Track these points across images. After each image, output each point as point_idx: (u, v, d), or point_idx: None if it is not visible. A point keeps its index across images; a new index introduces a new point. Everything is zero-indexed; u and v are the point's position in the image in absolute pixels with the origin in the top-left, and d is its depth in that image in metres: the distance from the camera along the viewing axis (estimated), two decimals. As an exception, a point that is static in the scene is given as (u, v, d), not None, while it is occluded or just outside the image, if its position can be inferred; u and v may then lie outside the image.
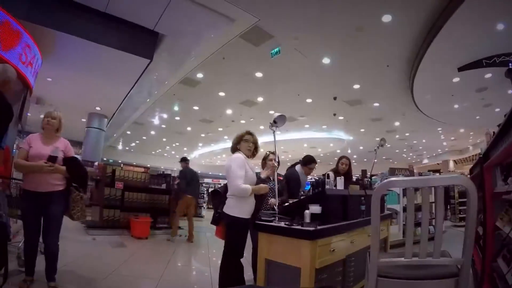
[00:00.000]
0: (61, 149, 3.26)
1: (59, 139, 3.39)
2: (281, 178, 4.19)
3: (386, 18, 6.61)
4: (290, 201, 3.29)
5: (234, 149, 3.34)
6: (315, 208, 2.63)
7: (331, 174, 4.87)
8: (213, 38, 7.11)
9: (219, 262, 3.11)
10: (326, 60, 8.50)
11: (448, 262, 1.71)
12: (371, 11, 6.42)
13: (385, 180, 1.79)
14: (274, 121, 3.23)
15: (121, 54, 6.98)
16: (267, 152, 3.93)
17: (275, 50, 7.64)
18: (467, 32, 6.79)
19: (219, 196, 3.29)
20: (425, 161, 26.70)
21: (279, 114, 3.24)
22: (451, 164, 24.44)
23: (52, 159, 3.11)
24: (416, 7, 6.30)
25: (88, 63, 7.79)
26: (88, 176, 3.92)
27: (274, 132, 3.25)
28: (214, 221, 3.22)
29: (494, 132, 3.20)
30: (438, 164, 25.03)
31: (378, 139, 5.74)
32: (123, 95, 10.13)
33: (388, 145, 19.81)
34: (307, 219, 2.55)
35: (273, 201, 3.40)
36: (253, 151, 3.33)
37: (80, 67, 8.10)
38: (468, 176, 9.90)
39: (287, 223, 2.65)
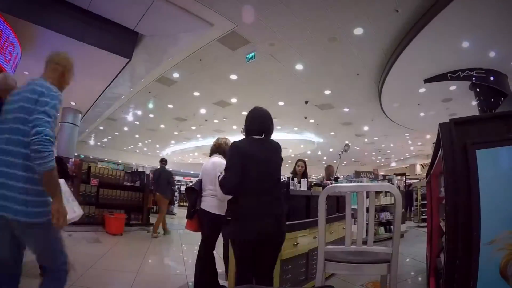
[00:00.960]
0: None
1: None
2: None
3: (358, 31, 7.02)
4: None
5: (214, 152, 3.66)
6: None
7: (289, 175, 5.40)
8: (192, 40, 7.28)
9: (191, 256, 3.40)
10: (299, 66, 8.85)
11: (381, 250, 2.04)
12: (344, 24, 6.79)
13: (329, 186, 2.14)
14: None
15: (101, 52, 7.00)
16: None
17: (251, 55, 7.89)
18: (435, 47, 7.19)
19: (195, 193, 3.48)
20: (393, 164, 27.66)
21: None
22: (418, 167, 25.43)
23: None
24: (386, 21, 6.71)
25: None
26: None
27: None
28: (189, 216, 3.45)
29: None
30: (405, 167, 26.00)
31: (347, 141, 6.27)
32: (99, 92, 10.11)
33: (358, 148, 20.56)
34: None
35: None
36: None
37: None
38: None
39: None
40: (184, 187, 15.45)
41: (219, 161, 3.44)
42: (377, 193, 7.77)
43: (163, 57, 8.23)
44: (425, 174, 22.40)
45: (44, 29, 6.29)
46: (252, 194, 2.27)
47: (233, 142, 2.46)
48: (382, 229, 7.80)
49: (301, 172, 5.69)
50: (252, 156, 2.31)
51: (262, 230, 2.20)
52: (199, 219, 3.39)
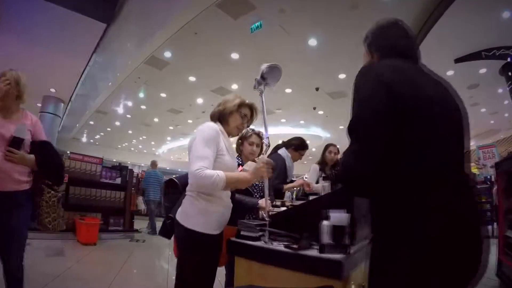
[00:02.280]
0: (27, 128, 2.33)
1: (23, 112, 2.43)
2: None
3: (385, -4, 5.89)
4: (288, 204, 2.16)
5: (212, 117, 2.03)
6: (340, 217, 1.46)
7: (315, 169, 3.89)
8: (186, 5, 6.08)
9: None
10: (312, 42, 7.60)
11: None
12: None
13: None
14: (262, 77, 1.99)
15: (74, 17, 5.97)
16: (249, 130, 2.57)
17: (256, 24, 6.64)
18: (470, 19, 6.33)
19: (177, 191, 2.02)
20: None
21: (269, 64, 1.99)
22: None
23: (16, 142, 2.20)
24: None
25: (37, 29, 6.72)
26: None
27: (261, 94, 1.99)
28: (164, 231, 1.97)
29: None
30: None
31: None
32: (79, 72, 8.96)
33: None
34: (326, 237, 1.43)
35: (262, 202, 2.23)
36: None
37: (30, 34, 6.97)
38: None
39: (287, 243, 1.55)
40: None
41: (202, 124, 1.88)
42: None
43: (152, 28, 7.01)
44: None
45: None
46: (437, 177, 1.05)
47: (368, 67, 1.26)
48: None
49: (333, 160, 3.92)
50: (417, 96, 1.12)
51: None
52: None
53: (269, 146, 2.00)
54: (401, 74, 1.18)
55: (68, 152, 6.67)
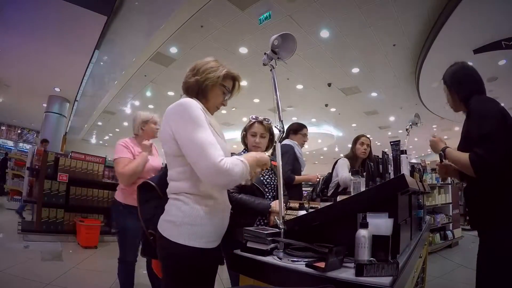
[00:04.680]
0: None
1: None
2: (275, 163, 2.12)
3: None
4: (308, 206, 1.77)
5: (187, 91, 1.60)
6: (382, 223, 1.10)
7: (345, 162, 3.51)
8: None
9: None
10: (324, 33, 7.20)
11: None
12: None
13: None
14: (273, 50, 1.61)
15: (74, 10, 5.74)
16: (251, 119, 2.23)
17: (265, 15, 6.29)
18: (489, 7, 5.91)
19: (154, 196, 1.57)
20: (413, 161, 25.97)
21: (280, 34, 1.58)
22: (440, 165, 23.94)
23: None
24: None
25: (38, 23, 6.52)
26: None
27: (273, 70, 1.66)
28: (149, 251, 1.55)
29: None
30: (427, 164, 24.43)
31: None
32: (83, 68, 8.72)
33: (378, 143, 19.16)
34: (365, 252, 1.06)
35: (275, 205, 1.81)
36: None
37: (30, 30, 6.81)
38: None
39: (309, 259, 1.17)
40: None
41: (176, 104, 1.44)
42: (431, 189, 6.18)
43: (157, 22, 6.66)
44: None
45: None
46: None
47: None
48: (437, 236, 6.10)
49: (366, 154, 3.49)
50: None
51: None
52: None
53: (283, 132, 1.61)
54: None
55: (71, 151, 6.38)
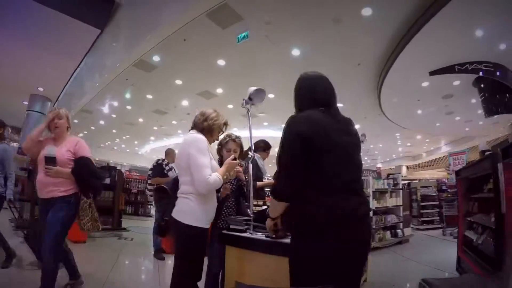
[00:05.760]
0: (67, 149, 3.01)
1: (69, 138, 3.18)
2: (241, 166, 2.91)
3: (366, 12, 6.24)
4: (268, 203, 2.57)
5: (199, 129, 2.44)
6: None
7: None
8: (177, 13, 6.22)
9: (171, 271, 2.20)
10: (295, 52, 7.92)
11: None
12: (352, 2, 6.04)
13: None
14: (249, 98, 2.50)
15: (69, 21, 6.04)
16: (226, 137, 2.93)
17: (243, 34, 6.88)
18: (446, 35, 6.65)
19: (166, 196, 2.44)
20: (379, 165, 27.13)
21: (256, 88, 2.49)
22: (404, 169, 25.23)
23: (49, 160, 2.89)
24: (398, 3, 6.05)
25: (29, 29, 6.72)
26: (99, 179, 3.31)
27: (248, 112, 2.51)
28: (161, 231, 2.41)
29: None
30: (391, 169, 25.65)
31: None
32: (69, 73, 9.08)
33: None
34: None
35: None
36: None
37: (20, 34, 6.98)
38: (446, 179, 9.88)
39: (267, 234, 1.93)
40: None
41: (192, 136, 2.32)
42: (382, 193, 7.09)
43: (143, 33, 7.04)
44: (410, 176, 22.46)
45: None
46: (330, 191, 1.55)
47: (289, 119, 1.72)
48: (388, 233, 6.97)
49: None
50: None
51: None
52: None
53: (253, 156, 2.43)
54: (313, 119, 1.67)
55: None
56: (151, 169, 5.76)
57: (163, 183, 4.87)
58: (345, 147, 1.64)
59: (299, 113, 1.76)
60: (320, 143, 1.56)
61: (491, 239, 3.55)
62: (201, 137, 2.28)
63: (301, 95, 1.89)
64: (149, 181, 5.87)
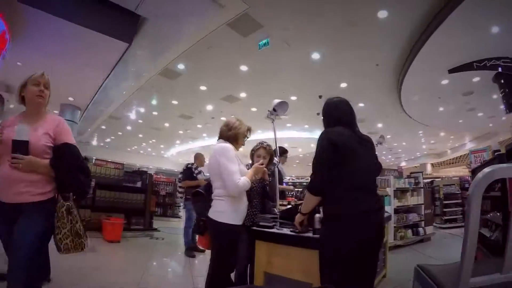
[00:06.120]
0: (45, 131, 2.08)
1: (47, 115, 2.22)
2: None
3: (382, 14, 6.36)
4: (293, 203, 2.87)
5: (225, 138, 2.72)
6: None
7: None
8: (199, 24, 6.55)
9: (201, 268, 2.58)
10: (315, 56, 8.13)
11: None
12: (367, 5, 6.14)
13: (489, 169, 1.17)
14: (274, 109, 2.76)
15: (98, 36, 6.35)
16: (258, 144, 3.22)
17: (264, 41, 7.17)
18: (462, 33, 6.65)
19: (202, 199, 2.73)
20: (403, 163, 26.92)
21: (280, 100, 2.77)
22: (429, 167, 24.79)
23: (19, 146, 1.91)
24: (413, 4, 6.12)
25: (61, 45, 7.11)
26: (88, 176, 2.40)
27: (273, 121, 2.78)
28: (199, 231, 2.69)
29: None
30: (415, 167, 25.29)
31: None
32: (98, 84, 9.45)
33: None
34: (318, 225, 2.13)
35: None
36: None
37: (53, 49, 7.40)
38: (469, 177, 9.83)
39: (292, 229, 2.22)
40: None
41: (221, 146, 2.59)
42: (403, 192, 7.18)
43: (167, 45, 7.47)
44: (435, 174, 22.09)
45: (35, 11, 5.61)
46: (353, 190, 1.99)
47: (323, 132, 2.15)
48: (409, 232, 7.07)
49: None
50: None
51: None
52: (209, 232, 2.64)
53: (279, 161, 2.72)
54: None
55: (94, 158, 7.27)
56: (181, 173, 6.17)
57: (192, 185, 5.27)
58: (362, 156, 2.06)
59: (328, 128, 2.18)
60: (344, 150, 1.98)
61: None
62: (228, 145, 2.56)
63: (328, 116, 2.31)
64: (179, 184, 6.27)
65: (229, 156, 2.47)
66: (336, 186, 1.94)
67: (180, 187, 6.28)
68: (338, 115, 2.21)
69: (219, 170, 2.45)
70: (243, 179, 2.42)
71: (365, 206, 1.93)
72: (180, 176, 6.24)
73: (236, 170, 2.43)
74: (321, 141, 2.04)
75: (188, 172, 5.98)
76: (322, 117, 2.33)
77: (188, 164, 6.20)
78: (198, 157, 6.36)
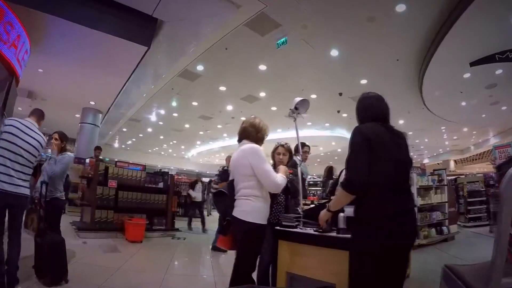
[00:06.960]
0: None
1: None
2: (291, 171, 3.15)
3: (400, 8, 6.23)
4: (316, 202, 2.85)
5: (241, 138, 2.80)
6: (351, 211, 2.06)
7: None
8: (217, 26, 6.59)
9: (223, 268, 2.58)
10: (334, 53, 8.04)
11: None
12: (385, 1, 6.05)
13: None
14: (295, 107, 2.74)
15: (117, 41, 6.48)
16: (277, 143, 3.25)
17: (282, 40, 7.14)
18: (482, 25, 6.49)
19: (226, 198, 2.67)
20: (426, 160, 26.36)
21: (301, 98, 2.74)
22: (452, 164, 24.24)
23: None
24: None
25: (81, 51, 7.30)
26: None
27: (295, 120, 2.76)
28: (223, 231, 2.66)
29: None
30: (438, 164, 24.73)
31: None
32: (118, 88, 9.63)
33: None
34: (342, 224, 2.09)
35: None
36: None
37: (73, 56, 7.61)
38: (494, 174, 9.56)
39: (315, 229, 2.20)
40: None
41: (251, 147, 2.60)
42: (426, 190, 7.04)
43: (186, 47, 7.55)
44: (458, 171, 21.54)
45: (54, 19, 5.80)
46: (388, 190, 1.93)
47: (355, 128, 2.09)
48: (433, 231, 6.91)
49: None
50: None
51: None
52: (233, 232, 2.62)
53: (301, 161, 2.72)
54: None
55: (116, 160, 7.42)
56: (217, 175, 6.45)
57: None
58: (396, 153, 2.00)
59: (361, 124, 2.12)
60: (377, 146, 1.91)
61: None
62: (258, 147, 2.61)
63: (362, 110, 2.22)
64: (215, 186, 6.54)
65: (263, 157, 2.52)
66: (372, 186, 1.88)
67: (216, 189, 6.47)
68: (373, 111, 2.16)
69: (251, 171, 2.47)
70: (279, 176, 2.48)
71: (399, 207, 1.89)
72: (216, 178, 6.45)
73: (271, 168, 2.49)
74: (355, 137, 1.98)
75: (226, 175, 6.08)
76: (356, 113, 2.25)
77: (224, 167, 6.49)
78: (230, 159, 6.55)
